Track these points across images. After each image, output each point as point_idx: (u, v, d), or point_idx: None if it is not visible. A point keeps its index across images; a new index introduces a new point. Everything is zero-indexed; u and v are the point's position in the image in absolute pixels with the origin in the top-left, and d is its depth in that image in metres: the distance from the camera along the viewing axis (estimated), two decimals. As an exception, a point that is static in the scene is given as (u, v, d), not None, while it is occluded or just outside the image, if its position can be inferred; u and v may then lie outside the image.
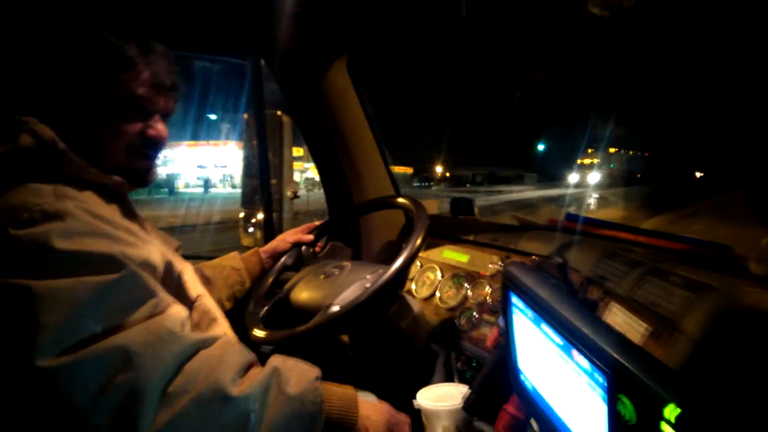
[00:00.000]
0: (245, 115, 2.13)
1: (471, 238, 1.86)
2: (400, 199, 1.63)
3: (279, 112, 2.10)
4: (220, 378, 0.90)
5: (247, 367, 0.97)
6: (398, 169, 43.67)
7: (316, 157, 2.14)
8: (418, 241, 1.34)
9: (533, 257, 1.37)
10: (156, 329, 0.89)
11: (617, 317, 1.10)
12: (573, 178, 43.39)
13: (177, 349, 0.89)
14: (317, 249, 1.72)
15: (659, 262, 1.19)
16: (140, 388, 0.83)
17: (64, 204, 0.93)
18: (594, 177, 40.70)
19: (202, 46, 1.91)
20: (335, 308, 1.28)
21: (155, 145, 1.14)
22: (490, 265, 1.61)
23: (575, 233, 1.46)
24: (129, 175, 1.12)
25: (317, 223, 1.76)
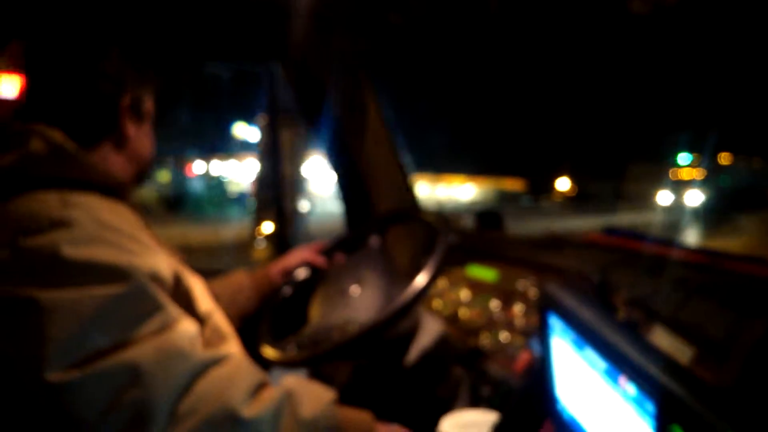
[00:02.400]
0: (261, 121, 2.10)
1: (498, 253, 1.79)
2: (421, 214, 1.58)
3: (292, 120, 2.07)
4: (231, 399, 0.86)
5: (259, 387, 0.92)
6: (507, 184, 36.65)
7: (334, 167, 2.09)
8: (430, 271, 1.28)
9: (568, 275, 1.30)
10: (166, 346, 0.86)
11: (661, 340, 1.04)
12: (663, 197, 29.36)
13: (187, 368, 0.86)
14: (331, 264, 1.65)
15: (705, 280, 1.12)
16: (149, 406, 0.81)
17: (71, 212, 0.91)
18: (695, 197, 27.08)
19: (217, 53, 1.91)
20: (321, 345, 1.30)
21: None
22: (519, 284, 1.54)
23: (614, 250, 1.38)
24: (137, 179, 1.19)
25: (324, 242, 1.68)
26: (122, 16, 1.13)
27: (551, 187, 34.87)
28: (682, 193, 28.46)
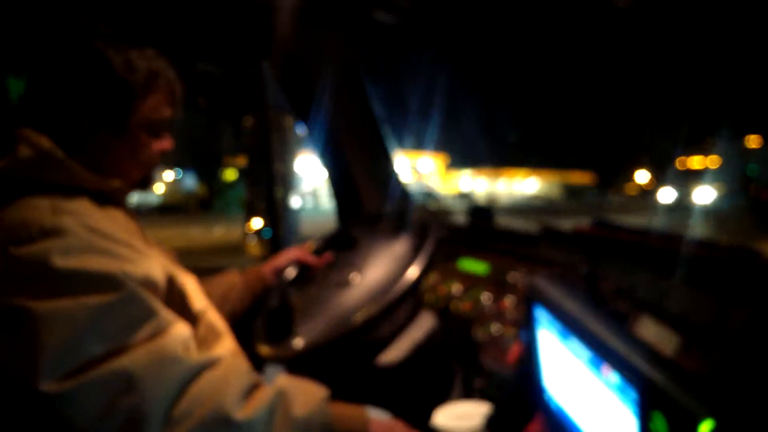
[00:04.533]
0: (249, 118, 2.11)
1: (489, 247, 1.80)
2: (411, 211, 1.60)
3: (286, 117, 2.08)
4: (224, 401, 0.87)
5: (252, 389, 0.93)
6: (574, 178, 34.08)
7: (324, 164, 2.10)
8: (418, 268, 1.30)
9: (557, 267, 1.31)
10: (158, 351, 0.87)
11: (648, 329, 1.06)
12: (666, 194, 23.34)
13: (180, 372, 0.87)
14: (321, 262, 1.66)
15: (692, 269, 1.14)
16: (143, 411, 0.82)
17: (62, 220, 0.91)
18: (707, 193, 21.07)
19: (204, 51, 1.91)
20: (312, 341, 1.33)
21: (165, 155, 1.16)
22: (510, 276, 1.55)
23: (602, 241, 1.39)
24: (139, 184, 1.14)
25: (311, 243, 1.70)
26: (115, 21, 1.11)
27: (622, 181, 31.51)
28: (692, 187, 22.53)
